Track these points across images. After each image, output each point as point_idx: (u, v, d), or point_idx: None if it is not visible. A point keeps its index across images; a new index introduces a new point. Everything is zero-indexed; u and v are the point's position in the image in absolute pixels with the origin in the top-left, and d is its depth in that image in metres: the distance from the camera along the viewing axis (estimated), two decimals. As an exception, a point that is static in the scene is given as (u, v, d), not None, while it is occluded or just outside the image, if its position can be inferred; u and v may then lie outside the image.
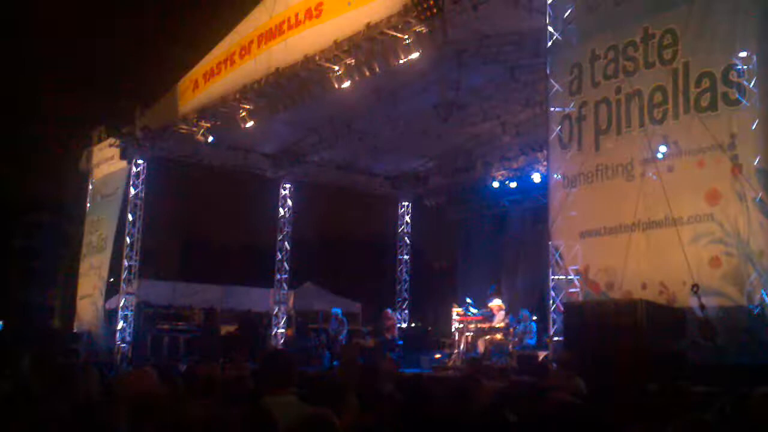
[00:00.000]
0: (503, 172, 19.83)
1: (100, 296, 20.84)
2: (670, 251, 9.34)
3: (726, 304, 8.77)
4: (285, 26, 15.09)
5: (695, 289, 8.61)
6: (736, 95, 8.96)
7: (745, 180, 8.73)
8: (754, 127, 8.83)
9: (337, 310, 19.43)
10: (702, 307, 8.54)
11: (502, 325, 15.45)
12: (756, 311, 8.51)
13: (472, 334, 15.81)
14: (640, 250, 9.76)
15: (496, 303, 16.08)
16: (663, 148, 9.66)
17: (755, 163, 8.76)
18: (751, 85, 8.89)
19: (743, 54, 9.01)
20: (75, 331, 21.38)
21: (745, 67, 8.96)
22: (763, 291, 8.52)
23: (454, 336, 16.23)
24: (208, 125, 17.77)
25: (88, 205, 23.02)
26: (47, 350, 16.18)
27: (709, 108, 9.17)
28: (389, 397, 5.23)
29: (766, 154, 8.75)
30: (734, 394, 5.35)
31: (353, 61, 13.75)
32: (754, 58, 8.94)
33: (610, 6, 10.50)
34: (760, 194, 8.64)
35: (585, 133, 10.67)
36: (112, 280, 21.01)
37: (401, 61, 13.08)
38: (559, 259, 10.78)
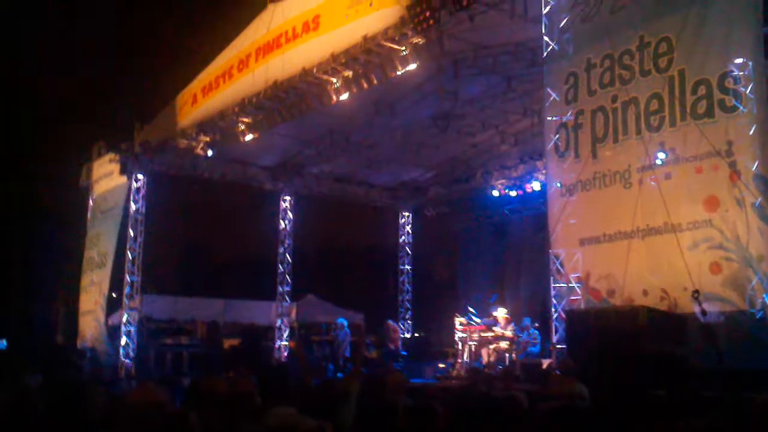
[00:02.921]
0: (503, 181, 19.90)
1: (102, 312, 20.82)
2: (670, 257, 9.38)
3: (727, 310, 8.79)
4: (282, 39, 15.17)
5: (696, 294, 8.64)
6: (733, 102, 9.01)
7: (744, 186, 8.78)
8: (751, 132, 8.88)
9: (343, 321, 19.45)
10: (703, 312, 8.58)
11: (509, 334, 15.49)
12: (758, 316, 8.53)
13: (475, 343, 15.84)
14: (641, 257, 9.80)
15: (501, 313, 16.10)
16: (660, 156, 9.71)
17: (753, 169, 8.79)
18: (748, 92, 8.94)
19: (739, 61, 9.06)
20: (78, 347, 21.38)
21: (741, 73, 9.01)
22: (764, 295, 8.54)
23: (457, 346, 16.24)
24: (207, 139, 17.84)
25: (89, 220, 23.07)
26: (54, 367, 16.18)
27: (705, 115, 9.22)
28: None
29: (764, 160, 8.79)
30: (736, 399, 5.38)
31: (351, 73, 13.82)
32: (750, 64, 8.98)
33: (606, 15, 10.56)
34: (759, 200, 8.68)
35: (582, 141, 10.73)
36: (114, 295, 21.02)
37: (398, 73, 13.17)
38: (560, 267, 10.82)
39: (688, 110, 9.37)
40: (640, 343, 8.76)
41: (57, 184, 27.57)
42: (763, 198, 8.66)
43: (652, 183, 9.70)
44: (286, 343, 21.84)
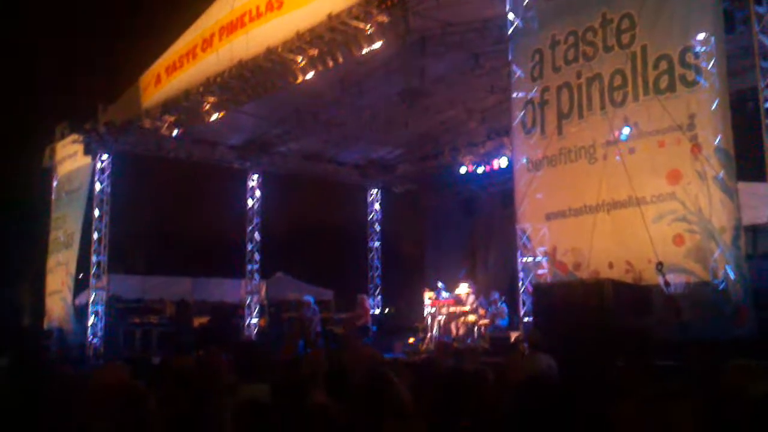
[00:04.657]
0: (470, 157, 19.97)
1: (69, 292, 20.67)
2: (634, 230, 9.53)
3: (690, 281, 8.98)
4: (246, 18, 15.01)
5: (659, 266, 8.80)
6: (694, 76, 9.14)
7: (705, 159, 8.93)
8: (713, 107, 9.01)
9: (310, 298, 19.49)
10: (667, 284, 8.74)
11: (469, 308, 15.68)
12: (720, 287, 8.71)
13: (444, 317, 15.98)
14: (606, 230, 9.94)
15: (462, 290, 16.27)
16: (624, 130, 9.83)
17: (716, 143, 8.95)
18: (710, 66, 9.06)
19: (701, 36, 9.17)
20: (45, 328, 21.21)
21: (702, 48, 9.13)
22: (726, 266, 8.72)
23: (427, 320, 16.37)
24: (173, 119, 17.66)
25: (53, 201, 22.80)
26: (21, 349, 16.07)
27: (667, 90, 9.35)
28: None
29: (725, 134, 8.95)
30: (706, 368, 5.49)
31: (316, 51, 13.73)
32: (712, 39, 9.10)
33: (569, -9, 10.64)
34: (721, 173, 8.84)
35: (548, 117, 10.82)
36: (81, 275, 20.85)
37: (364, 51, 13.11)
38: (527, 241, 10.94)
39: (651, 85, 9.50)
40: (606, 315, 8.90)
41: (20, 166, 27.19)
42: (725, 171, 8.83)
43: (617, 157, 9.83)
44: (256, 321, 21.86)
